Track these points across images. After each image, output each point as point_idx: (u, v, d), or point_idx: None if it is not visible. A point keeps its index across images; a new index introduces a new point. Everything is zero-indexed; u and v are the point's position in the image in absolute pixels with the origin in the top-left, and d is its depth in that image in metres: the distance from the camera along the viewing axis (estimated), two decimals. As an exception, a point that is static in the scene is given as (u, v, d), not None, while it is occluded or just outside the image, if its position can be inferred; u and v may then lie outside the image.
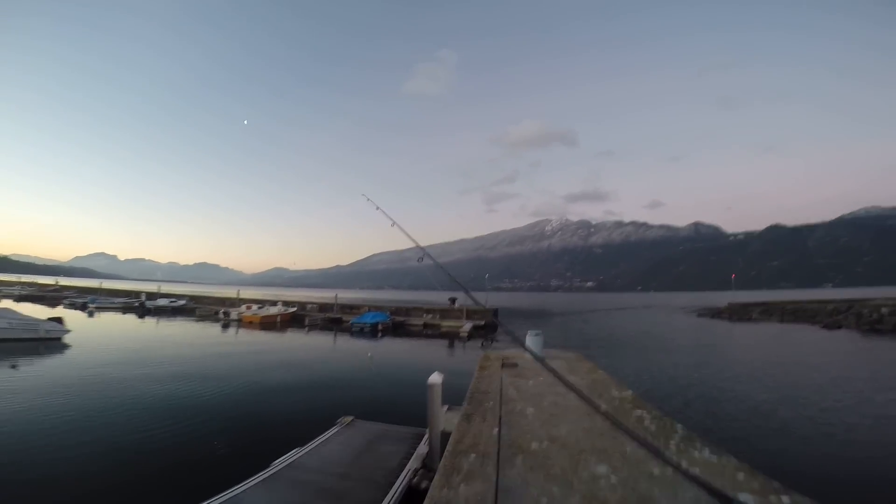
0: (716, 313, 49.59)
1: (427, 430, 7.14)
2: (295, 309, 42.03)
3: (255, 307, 40.87)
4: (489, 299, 37.83)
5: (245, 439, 9.32)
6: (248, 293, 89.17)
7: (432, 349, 25.14)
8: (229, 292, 58.41)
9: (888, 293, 62.54)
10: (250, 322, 36.58)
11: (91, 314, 43.78)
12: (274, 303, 44.81)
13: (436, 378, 7.06)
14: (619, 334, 33.31)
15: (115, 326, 33.81)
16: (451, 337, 29.87)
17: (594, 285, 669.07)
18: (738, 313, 46.79)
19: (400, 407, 11.51)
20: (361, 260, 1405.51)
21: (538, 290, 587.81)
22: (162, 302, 51.31)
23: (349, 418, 8.81)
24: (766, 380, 16.41)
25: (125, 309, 49.74)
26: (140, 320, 39.46)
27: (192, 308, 49.24)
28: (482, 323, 35.33)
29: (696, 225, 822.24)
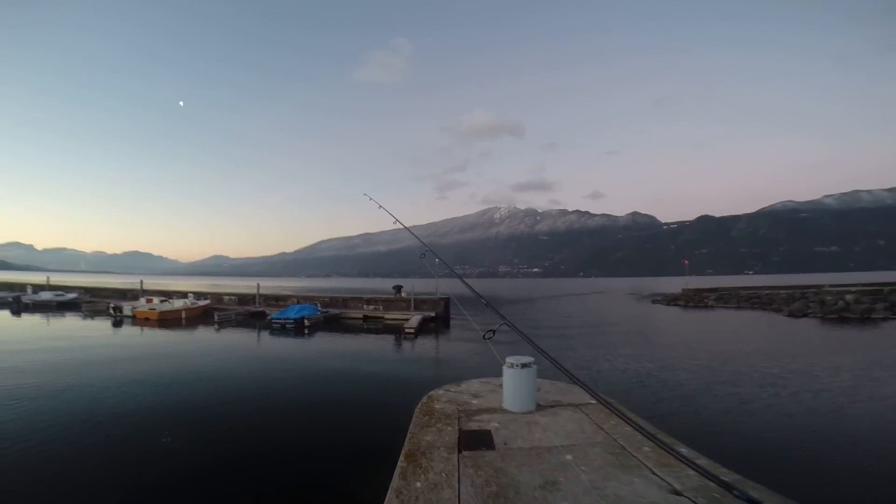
0: (671, 300, 48.06)
1: None
2: (208, 302, 35.28)
3: (156, 300, 33.71)
4: (440, 286, 33.35)
5: None
6: (184, 283, 79.73)
7: (362, 355, 19.54)
8: (142, 282, 49.75)
9: (802, 280, 65.76)
10: (146, 318, 29.75)
11: (-51, 313, 34.98)
12: (184, 294, 37.75)
13: None
14: (579, 324, 29.84)
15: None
16: (396, 332, 24.94)
17: (540, 271, 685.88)
18: (694, 300, 45.37)
19: None
20: (308, 247, 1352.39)
21: (488, 276, 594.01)
22: (45, 296, 42.23)
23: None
24: (782, 383, 13.09)
25: (-1, 304, 40.67)
26: (14, 318, 31.75)
27: (87, 302, 41.07)
28: (432, 314, 30.70)
29: (634, 215, 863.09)
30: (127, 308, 32.25)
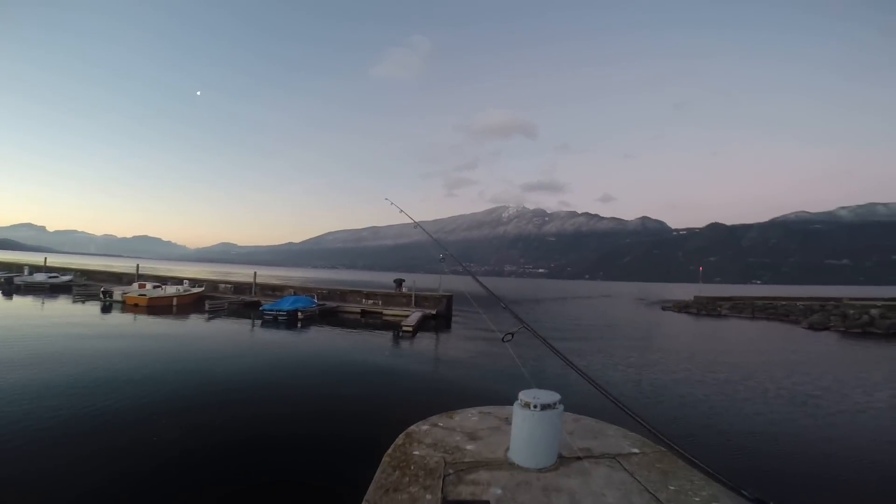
0: (682, 307, 46.25)
1: None
2: (202, 289, 34.09)
3: (149, 286, 32.60)
4: (448, 283, 32.08)
5: None
6: (186, 269, 79.40)
7: (347, 357, 17.36)
8: (138, 267, 48.83)
9: (814, 292, 64.02)
10: (135, 304, 28.62)
11: (-66, 293, 34.24)
12: (180, 280, 36.70)
13: None
14: (587, 330, 28.28)
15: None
16: (393, 329, 23.54)
17: (546, 272, 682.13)
18: (707, 308, 43.53)
19: None
20: (315, 237, 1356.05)
21: (493, 275, 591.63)
22: (39, 278, 41.34)
23: None
24: (814, 402, 11.62)
25: (-9, 287, 39.82)
26: (6, 300, 30.75)
27: (80, 285, 40.16)
28: (433, 312, 29.28)
29: (644, 219, 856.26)
30: (118, 293, 31.19)
